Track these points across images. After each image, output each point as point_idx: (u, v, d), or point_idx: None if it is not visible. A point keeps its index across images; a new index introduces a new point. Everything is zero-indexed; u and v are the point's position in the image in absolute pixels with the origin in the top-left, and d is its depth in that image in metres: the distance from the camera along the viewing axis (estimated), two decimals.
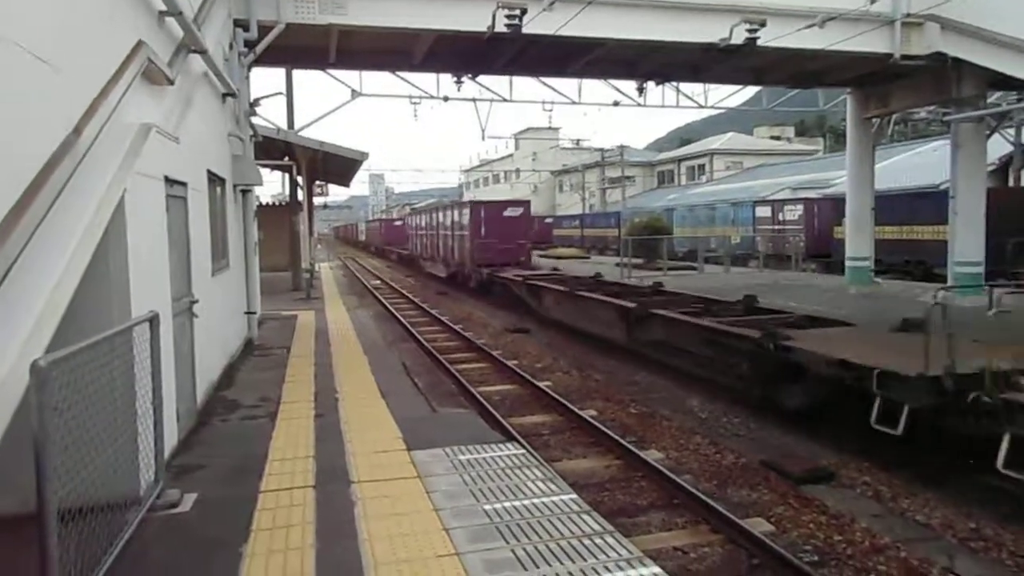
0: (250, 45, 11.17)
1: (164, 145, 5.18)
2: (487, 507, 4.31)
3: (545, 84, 18.66)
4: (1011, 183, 24.49)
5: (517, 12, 11.93)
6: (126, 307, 4.31)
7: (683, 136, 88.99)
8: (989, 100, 17.62)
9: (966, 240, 15.09)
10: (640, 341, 12.75)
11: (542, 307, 18.20)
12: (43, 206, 2.96)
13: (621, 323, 13.39)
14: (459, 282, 26.49)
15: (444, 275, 28.85)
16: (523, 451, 5.56)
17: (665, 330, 11.92)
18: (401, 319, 18.10)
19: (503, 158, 76.07)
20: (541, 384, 10.73)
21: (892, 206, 21.23)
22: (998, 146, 23.78)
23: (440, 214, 30.28)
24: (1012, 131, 24.10)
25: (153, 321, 4.27)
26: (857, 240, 17.40)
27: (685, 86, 19.30)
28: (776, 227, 28.62)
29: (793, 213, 27.86)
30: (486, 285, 23.32)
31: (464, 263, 25.57)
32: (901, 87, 17.19)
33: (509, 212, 25.55)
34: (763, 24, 12.97)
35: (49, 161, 3.16)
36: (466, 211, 25.67)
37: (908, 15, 14.01)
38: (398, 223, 51.87)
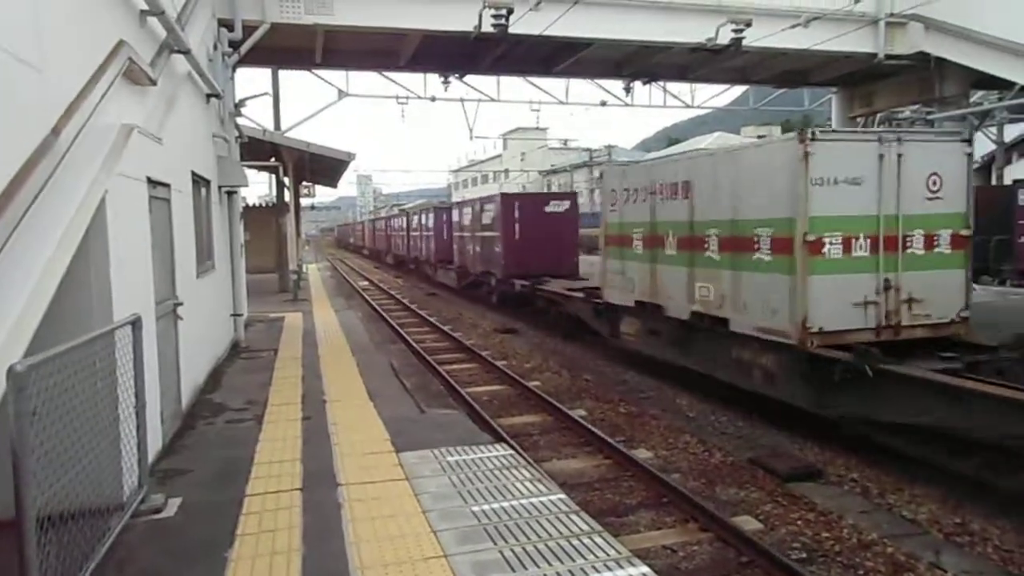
0: (235, 45, 11.10)
1: (147, 146, 5.13)
2: (475, 508, 4.29)
3: (532, 84, 18.69)
4: (993, 181, 24.76)
5: (503, 12, 11.92)
6: (108, 310, 4.25)
7: (671, 136, 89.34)
8: (972, 99, 17.81)
9: None
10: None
11: (405, 266, 35.96)
12: (20, 208, 2.91)
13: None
14: (378, 259, 48.28)
15: (370, 255, 53.65)
16: (512, 452, 5.54)
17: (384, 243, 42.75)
18: (389, 320, 18.04)
19: (491, 158, 76.09)
20: (530, 384, 10.71)
21: None
22: (981, 145, 23.98)
23: (368, 224, 58.63)
24: (994, 130, 24.35)
25: (136, 324, 4.21)
26: None
27: (672, 86, 19.42)
28: None
29: None
30: (383, 259, 45.07)
31: (379, 249, 47.37)
32: (885, 87, 17.34)
33: None
34: (748, 24, 13.05)
35: (27, 162, 3.11)
36: (379, 221, 50.15)
37: (892, 15, 14.14)
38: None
